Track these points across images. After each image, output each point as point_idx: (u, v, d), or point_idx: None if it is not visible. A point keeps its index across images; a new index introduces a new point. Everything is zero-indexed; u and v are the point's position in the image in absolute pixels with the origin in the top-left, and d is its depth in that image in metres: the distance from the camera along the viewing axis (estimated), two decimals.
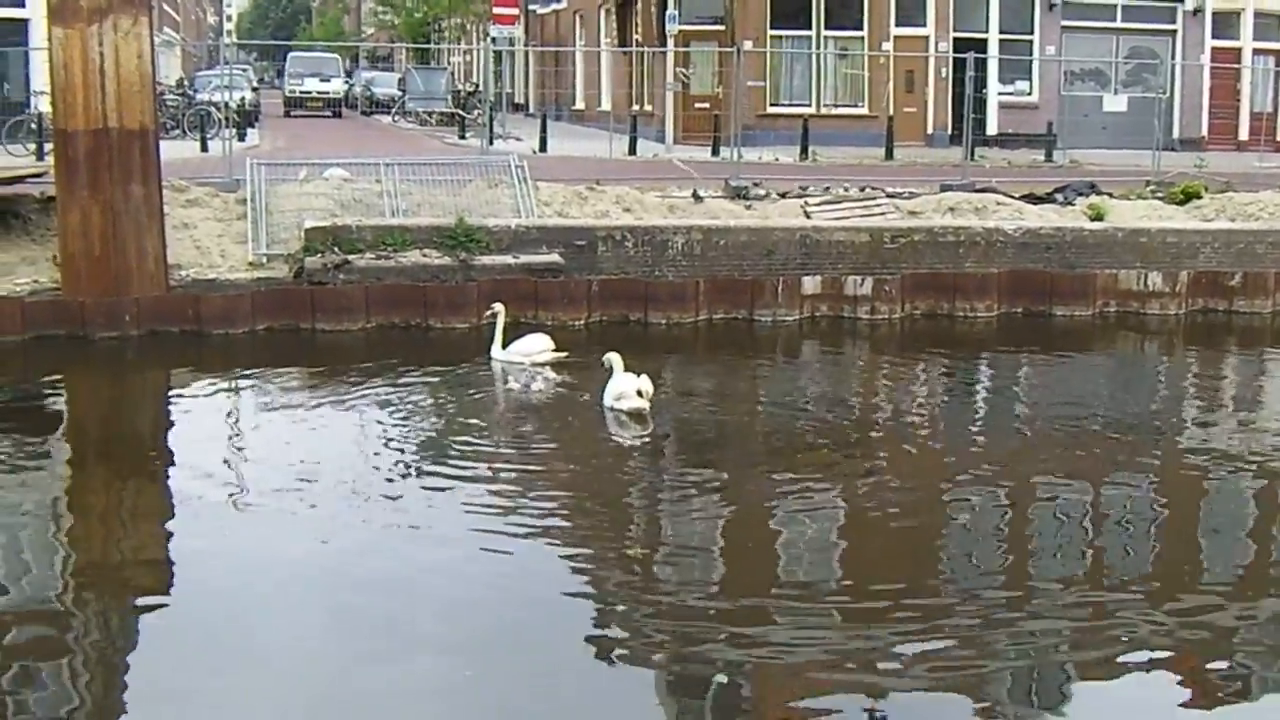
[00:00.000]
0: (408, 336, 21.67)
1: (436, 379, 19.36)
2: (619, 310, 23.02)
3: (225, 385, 19.22)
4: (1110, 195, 28.77)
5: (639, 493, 14.54)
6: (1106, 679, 10.14)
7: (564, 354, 19.81)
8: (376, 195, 25.42)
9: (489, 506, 13.50)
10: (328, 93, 67.93)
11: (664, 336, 22.48)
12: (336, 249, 23.25)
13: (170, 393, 19.34)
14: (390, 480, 14.32)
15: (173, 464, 15.48)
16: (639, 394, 16.94)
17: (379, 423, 16.76)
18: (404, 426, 16.66)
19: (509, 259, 23.63)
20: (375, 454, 15.30)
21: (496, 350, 19.88)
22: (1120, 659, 10.37)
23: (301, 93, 67.94)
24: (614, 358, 17.41)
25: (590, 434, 16.75)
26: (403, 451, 15.50)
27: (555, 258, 23.82)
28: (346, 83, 76.73)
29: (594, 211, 25.83)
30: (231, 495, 14.00)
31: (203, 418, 17.50)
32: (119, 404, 19.34)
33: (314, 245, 23.30)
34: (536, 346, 19.86)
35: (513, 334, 20.16)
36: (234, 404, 18.55)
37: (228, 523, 13.13)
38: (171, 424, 17.68)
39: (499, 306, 20.20)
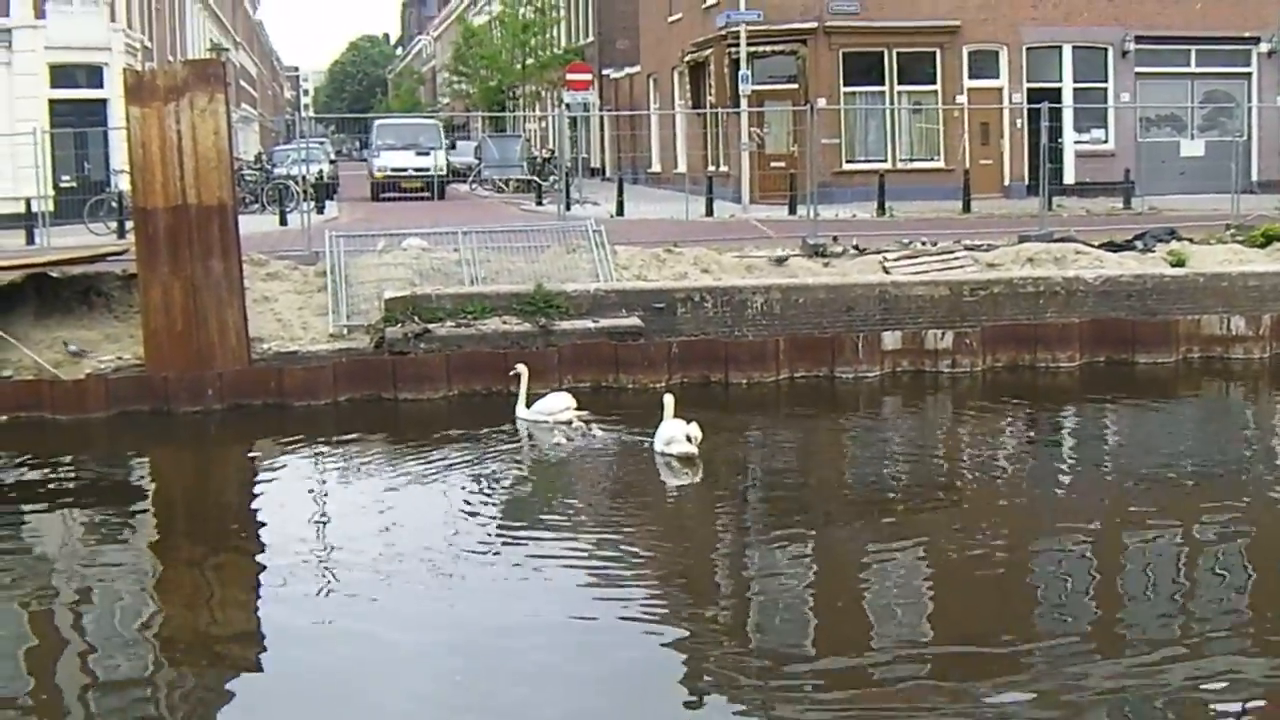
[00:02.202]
0: (489, 404, 21.54)
1: (517, 444, 19.42)
2: (699, 372, 22.87)
3: (309, 457, 19.24)
4: (1190, 240, 28.52)
5: (728, 550, 14.67)
6: None
7: (585, 412, 20.12)
8: (455, 264, 25.56)
9: (578, 572, 13.56)
10: (427, 170, 51.98)
11: (745, 397, 22.31)
12: (416, 318, 23.40)
13: (254, 465, 19.45)
14: (476, 549, 14.32)
15: (258, 537, 15.60)
16: (688, 439, 17.45)
17: (463, 490, 16.83)
18: (488, 494, 16.71)
19: (589, 323, 23.69)
20: (460, 523, 15.35)
21: (521, 410, 20.19)
22: (1217, 706, 10.31)
23: (394, 170, 52.82)
24: (668, 399, 18.09)
25: (669, 493, 17.14)
26: (488, 519, 15.55)
27: (635, 321, 23.93)
28: (460, 155, 64.56)
29: (672, 273, 25.89)
30: (318, 568, 14.06)
31: (287, 490, 17.60)
32: (204, 478, 19.44)
33: (394, 315, 23.48)
34: (559, 405, 20.20)
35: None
36: (318, 475, 18.52)
37: (315, 595, 13.17)
38: (256, 496, 17.73)
39: (522, 367, 20.42)
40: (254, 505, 17.28)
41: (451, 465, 18.10)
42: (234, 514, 17.04)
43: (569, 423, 19.94)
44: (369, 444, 19.71)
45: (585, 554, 14.08)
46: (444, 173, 53.28)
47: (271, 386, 21.84)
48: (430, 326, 23.21)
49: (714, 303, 24.47)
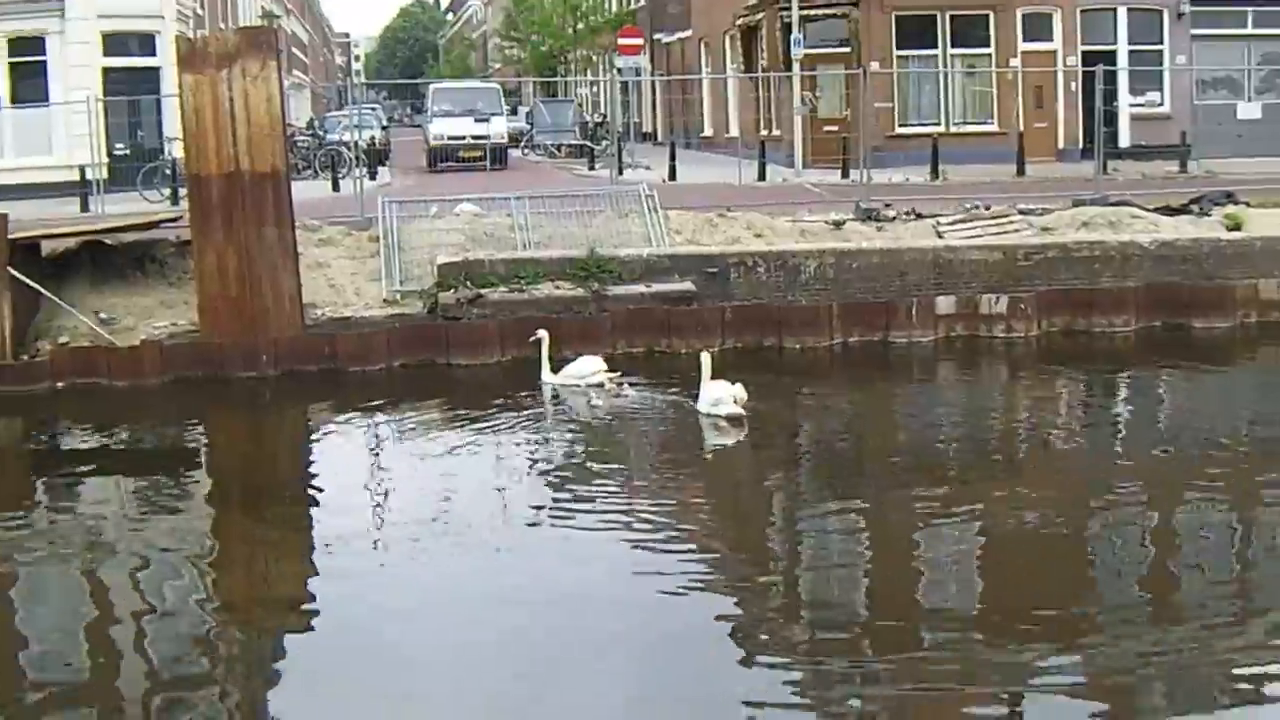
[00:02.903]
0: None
1: (568, 409, 19.42)
2: (753, 336, 22.78)
3: (363, 422, 19.24)
4: (1248, 204, 28.09)
5: (780, 515, 14.73)
6: (1258, 699, 9.96)
7: (616, 374, 20.17)
8: (508, 229, 25.48)
9: (632, 536, 13.56)
10: (488, 137, 49.28)
11: (798, 362, 22.18)
12: (469, 283, 23.38)
13: (308, 431, 19.66)
14: (530, 514, 14.32)
15: (312, 502, 15.64)
16: (734, 401, 17.56)
17: (516, 455, 16.91)
18: (541, 459, 16.72)
19: (641, 288, 23.61)
20: (513, 488, 15.45)
21: (546, 374, 20.23)
22: (1274, 678, 10.21)
23: (452, 138, 49.51)
24: (705, 358, 18.14)
25: (720, 457, 17.14)
26: (541, 484, 15.57)
27: (688, 286, 23.77)
28: (512, 120, 60.28)
29: (725, 238, 25.67)
30: (372, 532, 14.06)
31: (341, 455, 17.72)
32: (258, 443, 19.52)
33: (447, 280, 23.45)
34: (590, 368, 20.23)
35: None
36: (372, 440, 18.59)
37: (369, 559, 13.19)
38: (310, 462, 17.96)
39: (543, 333, 20.44)
40: (308, 470, 17.45)
41: (503, 430, 18.08)
42: (288, 479, 17.18)
43: (601, 385, 20.00)
44: (422, 409, 19.67)
45: (639, 518, 14.07)
46: (504, 140, 51.13)
47: (325, 352, 21.90)
48: (483, 291, 23.17)
49: (767, 267, 24.27)
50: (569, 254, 24.23)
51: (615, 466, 16.56)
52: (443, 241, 24.79)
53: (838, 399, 20.39)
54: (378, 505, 15.35)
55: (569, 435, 18.04)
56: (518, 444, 17.42)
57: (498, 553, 13.24)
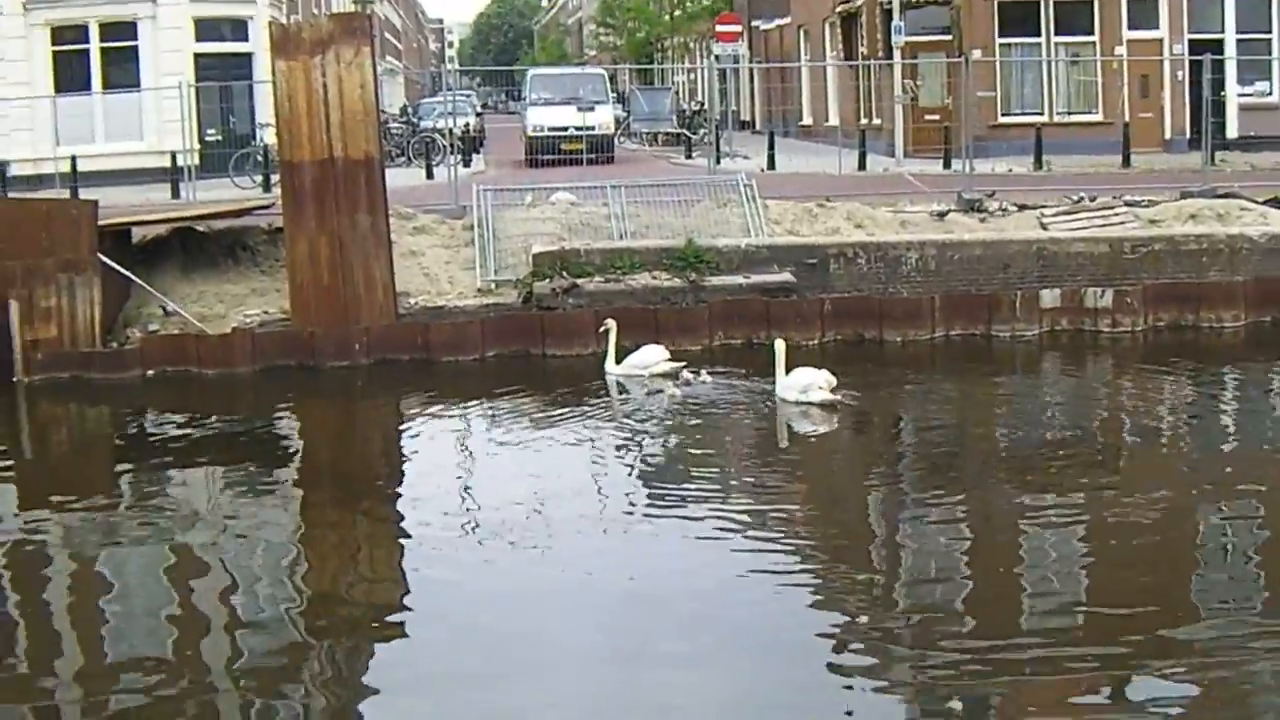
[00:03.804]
0: None
1: (664, 401, 19.20)
2: (853, 329, 22.65)
3: (456, 413, 19.27)
4: None
5: (879, 509, 14.58)
6: None
7: (681, 364, 20.08)
8: (604, 218, 25.33)
9: (728, 529, 13.42)
10: (592, 127, 43.08)
11: (899, 355, 22.06)
12: (565, 273, 23.28)
13: (401, 422, 19.44)
14: (627, 507, 14.25)
15: (405, 494, 15.46)
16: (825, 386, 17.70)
17: (612, 447, 16.82)
18: (637, 451, 16.58)
19: (739, 279, 23.41)
20: (608, 481, 15.33)
21: (610, 365, 20.27)
22: None
23: (554, 129, 44.08)
24: (779, 345, 18.35)
25: (818, 448, 17.24)
26: (637, 477, 15.50)
27: (787, 277, 23.56)
28: (620, 110, 56.21)
29: (825, 229, 25.44)
30: (465, 526, 13.95)
31: (434, 447, 17.58)
32: (350, 434, 19.47)
33: (542, 270, 23.35)
34: (653, 357, 20.22)
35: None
36: (465, 432, 18.55)
37: (462, 553, 13.10)
38: (403, 453, 17.85)
39: (611, 323, 20.45)
40: (401, 462, 17.38)
41: (598, 422, 18.07)
42: (381, 471, 17.13)
43: (669, 375, 19.98)
44: (516, 400, 19.60)
45: (735, 512, 13.96)
46: (610, 130, 46.09)
47: (418, 342, 21.85)
48: (579, 281, 23.10)
49: (867, 258, 24.01)
50: (666, 244, 24.04)
51: (709, 457, 16.49)
52: (538, 230, 24.67)
53: (939, 392, 20.28)
54: (470, 499, 15.27)
55: (661, 427, 17.85)
56: (612, 437, 17.33)
57: (590, 547, 13.13)
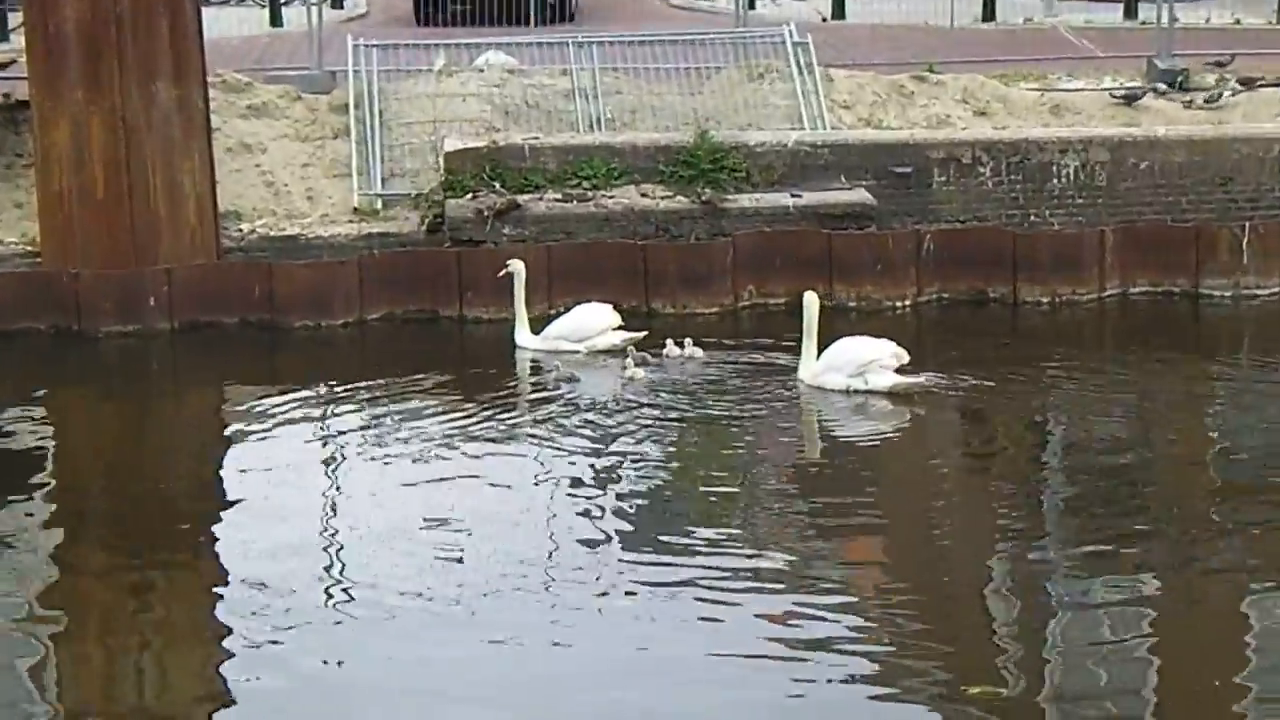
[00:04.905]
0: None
1: (644, 391, 15.06)
2: (968, 283, 17.65)
3: (312, 412, 14.95)
4: None
5: (1012, 568, 11.19)
6: None
7: (641, 335, 15.78)
8: (562, 95, 20.25)
9: (776, 598, 10.28)
10: None
11: (1046, 324, 17.45)
12: (498, 185, 18.15)
13: (221, 427, 15.32)
14: (591, 561, 11.02)
15: (222, 547, 12.01)
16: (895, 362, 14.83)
17: (568, 463, 13.20)
18: (608, 470, 12.91)
19: (784, 198, 18.13)
20: (571, 517, 12.03)
21: (522, 335, 16.14)
22: None
23: None
24: (810, 299, 14.68)
25: (913, 473, 13.65)
26: (612, 514, 12.02)
27: (861, 196, 18.38)
28: None
29: (924, 117, 20.59)
30: (316, 602, 10.61)
31: (272, 470, 13.61)
32: (136, 447, 14.95)
33: (460, 180, 18.37)
34: (595, 322, 16.09)
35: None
36: (326, 445, 14.30)
37: (311, 637, 9.97)
38: (222, 481, 13.65)
39: (517, 264, 16.24)
40: (218, 495, 13.30)
41: (545, 425, 14.26)
42: (184, 508, 12.93)
43: (616, 352, 15.70)
44: (414, 395, 15.19)
45: (783, 571, 10.85)
46: None
47: (254, 295, 17.16)
48: (520, 199, 18.03)
49: (994, 167, 18.89)
50: (665, 138, 19.14)
51: (731, 479, 12.80)
52: (454, 114, 19.79)
53: (1110, 386, 15.62)
54: (326, 558, 11.65)
55: (653, 432, 14.01)
56: (566, 447, 13.62)
57: (532, 622, 10.04)
